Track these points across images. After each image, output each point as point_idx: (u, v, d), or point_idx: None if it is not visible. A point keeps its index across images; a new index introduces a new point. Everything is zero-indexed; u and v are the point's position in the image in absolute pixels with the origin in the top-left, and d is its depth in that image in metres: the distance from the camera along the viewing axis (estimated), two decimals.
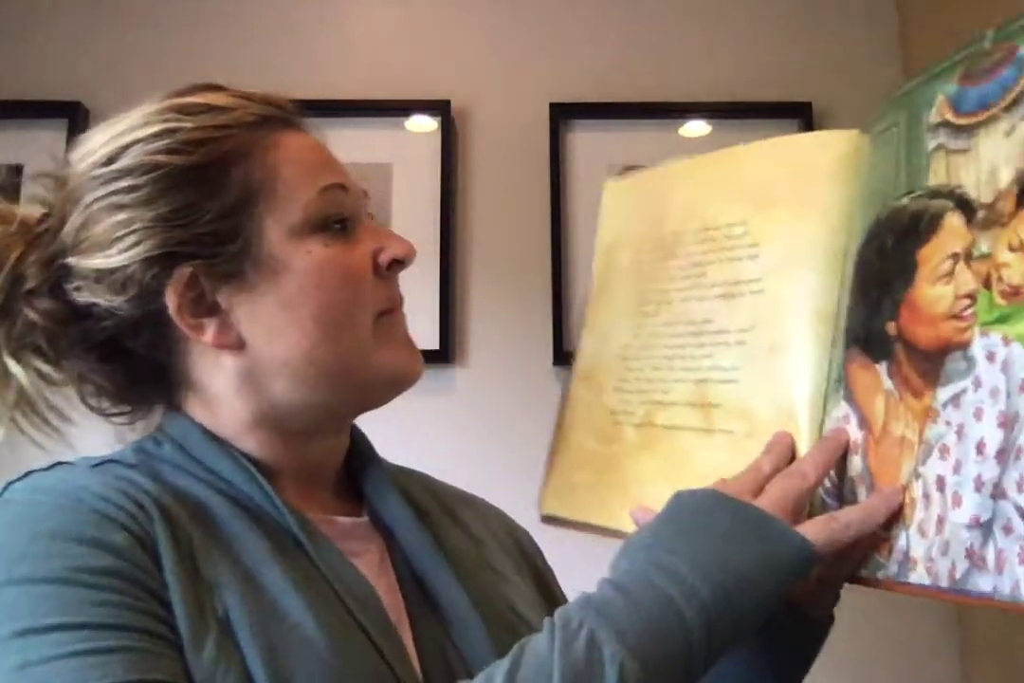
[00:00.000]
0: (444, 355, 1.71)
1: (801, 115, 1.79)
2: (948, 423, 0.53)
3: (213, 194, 0.63)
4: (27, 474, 0.61)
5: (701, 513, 0.56)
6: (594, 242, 0.84)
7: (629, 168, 0.97)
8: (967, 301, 0.54)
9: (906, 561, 0.53)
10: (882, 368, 0.59)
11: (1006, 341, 0.50)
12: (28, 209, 0.68)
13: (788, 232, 0.68)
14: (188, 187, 0.63)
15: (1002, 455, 0.48)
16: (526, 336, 1.75)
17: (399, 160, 1.75)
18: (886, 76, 1.78)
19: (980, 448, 0.50)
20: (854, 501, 0.59)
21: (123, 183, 0.63)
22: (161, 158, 0.63)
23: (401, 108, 1.76)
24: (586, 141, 1.81)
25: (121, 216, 0.63)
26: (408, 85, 1.75)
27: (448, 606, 0.65)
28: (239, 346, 0.65)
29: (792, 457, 0.62)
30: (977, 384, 0.51)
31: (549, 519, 0.78)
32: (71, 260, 0.64)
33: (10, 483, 0.60)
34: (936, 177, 0.58)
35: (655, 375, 0.75)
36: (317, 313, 0.64)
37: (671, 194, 0.78)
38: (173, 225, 0.63)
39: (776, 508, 0.56)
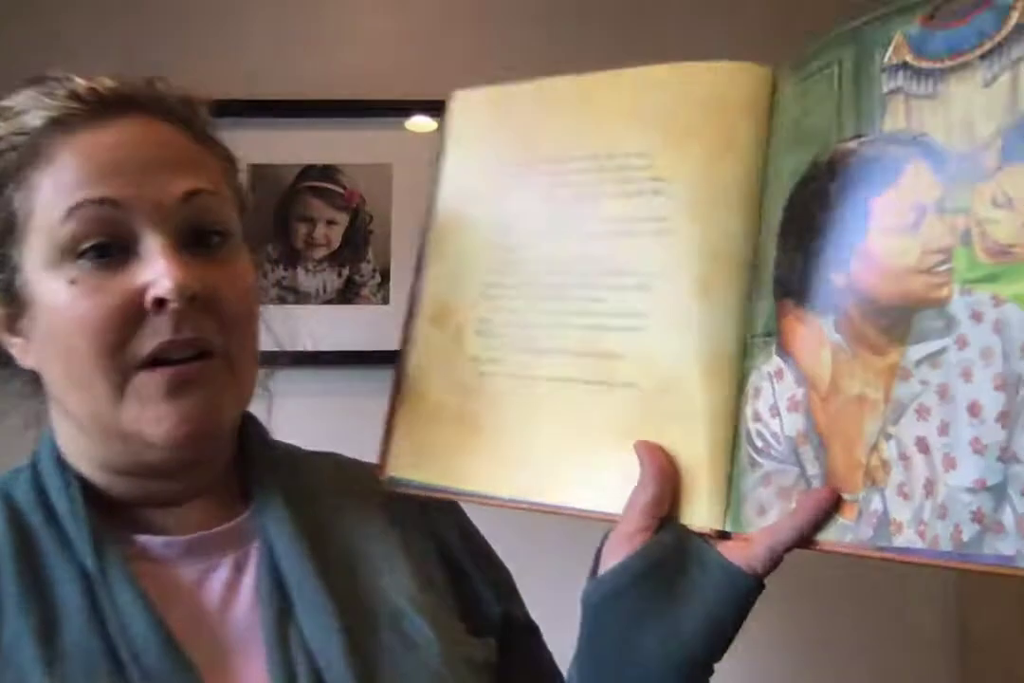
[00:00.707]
0: None
1: None
2: (925, 383, 0.50)
3: None
4: None
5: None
6: (437, 162, 0.73)
7: None
8: (940, 256, 0.51)
9: (884, 524, 0.50)
10: (826, 322, 0.55)
11: (997, 301, 0.48)
12: None
13: (702, 169, 0.62)
14: None
15: (1005, 418, 0.46)
16: None
17: (399, 160, 1.65)
18: None
19: (974, 410, 0.48)
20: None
21: None
22: None
23: (401, 108, 1.65)
24: None
25: None
26: (408, 85, 1.62)
27: (303, 614, 0.59)
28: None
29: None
30: (962, 343, 0.49)
31: (396, 483, 0.68)
32: None
33: None
34: (894, 121, 0.55)
35: (530, 319, 0.66)
36: (62, 359, 0.58)
37: (546, 115, 0.69)
38: None
39: None
